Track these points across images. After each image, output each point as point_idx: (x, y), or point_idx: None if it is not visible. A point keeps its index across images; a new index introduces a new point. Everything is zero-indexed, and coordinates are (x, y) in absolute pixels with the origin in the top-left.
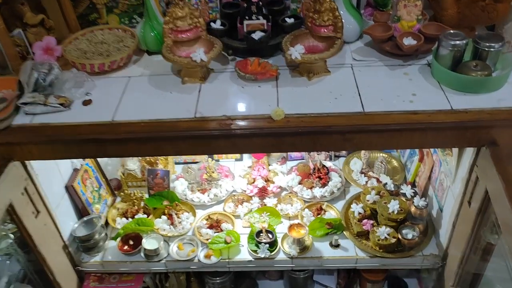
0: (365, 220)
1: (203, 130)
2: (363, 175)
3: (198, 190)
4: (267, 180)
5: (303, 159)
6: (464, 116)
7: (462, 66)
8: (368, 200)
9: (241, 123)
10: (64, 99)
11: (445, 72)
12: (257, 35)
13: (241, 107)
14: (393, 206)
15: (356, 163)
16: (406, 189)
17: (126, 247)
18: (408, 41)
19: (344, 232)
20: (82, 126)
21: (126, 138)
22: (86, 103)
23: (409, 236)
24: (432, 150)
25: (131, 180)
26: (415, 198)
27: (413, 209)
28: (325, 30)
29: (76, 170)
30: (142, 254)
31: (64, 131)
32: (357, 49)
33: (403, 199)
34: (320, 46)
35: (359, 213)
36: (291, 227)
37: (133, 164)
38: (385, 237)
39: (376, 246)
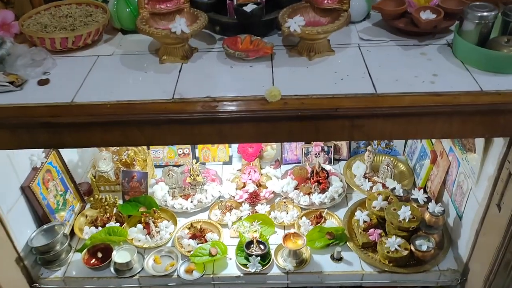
0: (371, 230)
1: (182, 113)
2: (367, 180)
3: (180, 196)
4: (259, 185)
5: (300, 162)
6: (497, 98)
7: (491, 42)
8: (374, 207)
9: (229, 105)
10: (15, 77)
11: (471, 49)
12: (249, 8)
13: (229, 88)
14: (404, 213)
15: (359, 167)
16: (418, 194)
17: (93, 261)
18: (426, 15)
19: (347, 244)
20: (34, 108)
21: (87, 123)
22: (42, 82)
23: (424, 248)
24: (447, 149)
25: (103, 183)
26: (429, 204)
27: (427, 216)
28: (329, 1)
29: (35, 169)
30: (111, 269)
31: (11, 113)
32: (365, 29)
33: (415, 205)
34: (323, 21)
35: (365, 222)
36: (286, 237)
37: (106, 165)
38: (396, 249)
39: (385, 260)
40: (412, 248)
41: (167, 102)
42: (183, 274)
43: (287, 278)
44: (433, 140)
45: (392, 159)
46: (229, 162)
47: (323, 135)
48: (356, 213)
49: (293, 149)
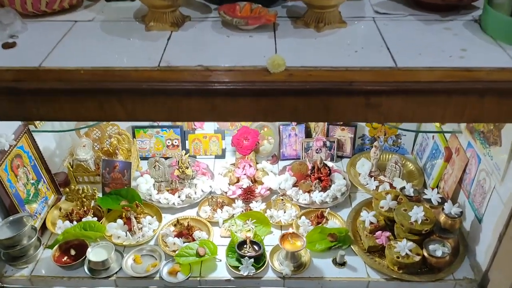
0: (378, 232)
1: (169, 82)
2: (372, 178)
3: (167, 190)
4: (254, 181)
5: (299, 158)
6: None
7: None
8: (382, 207)
9: (224, 76)
10: None
11: (505, 23)
12: None
13: (225, 58)
14: (416, 214)
15: (364, 165)
16: (432, 194)
17: (65, 258)
18: None
19: (351, 247)
20: None
21: (56, 90)
22: (7, 46)
23: (438, 253)
24: (465, 144)
25: (81, 173)
26: (445, 204)
27: (442, 218)
28: None
29: (3, 152)
30: (85, 268)
31: None
32: (379, 3)
33: (427, 206)
34: None
35: (371, 223)
36: (283, 237)
37: (85, 153)
38: (406, 254)
39: (394, 266)
40: (425, 254)
41: (151, 70)
42: (166, 276)
43: (283, 284)
44: (447, 136)
45: (400, 157)
46: (222, 156)
47: (333, 115)
48: (361, 214)
49: (292, 143)
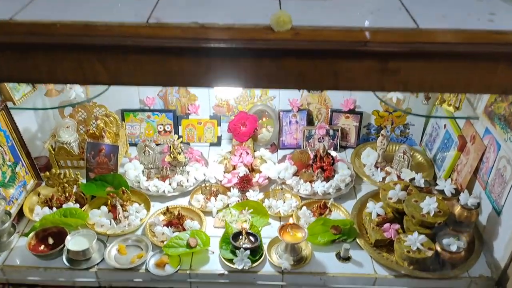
0: (386, 225)
1: (158, 39)
2: (378, 169)
3: (157, 177)
4: (251, 170)
5: (300, 147)
6: None
7: None
8: (390, 198)
9: (222, 34)
10: None
11: None
12: None
13: (224, 14)
14: (429, 205)
15: (370, 155)
16: (445, 185)
17: (42, 247)
18: None
19: (357, 240)
20: None
21: (28, 45)
22: None
23: (453, 248)
24: (481, 131)
25: (63, 157)
26: (460, 195)
27: (457, 210)
28: None
29: None
30: (63, 258)
31: None
32: None
33: (440, 198)
34: None
35: (378, 216)
36: (283, 228)
37: (69, 135)
38: (418, 248)
39: (403, 261)
40: (438, 248)
41: (139, 26)
42: (153, 268)
43: (281, 279)
44: (461, 124)
45: (408, 147)
46: (218, 143)
47: (343, 82)
48: (367, 205)
49: (293, 131)
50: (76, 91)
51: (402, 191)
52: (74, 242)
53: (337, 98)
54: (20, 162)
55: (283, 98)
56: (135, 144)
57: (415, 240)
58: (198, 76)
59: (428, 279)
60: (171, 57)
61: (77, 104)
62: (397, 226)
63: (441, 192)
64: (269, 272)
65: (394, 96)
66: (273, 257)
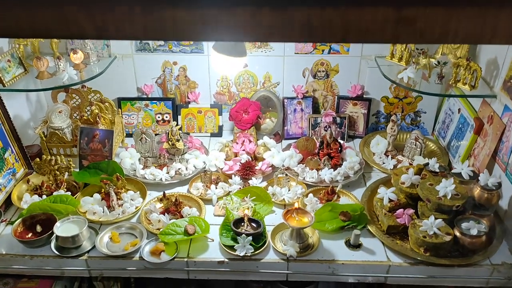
0: (400, 210)
1: None
2: (389, 157)
3: (154, 166)
4: (254, 158)
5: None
6: None
7: None
8: (403, 183)
9: None
10: None
11: None
12: None
13: None
14: (445, 187)
15: (379, 143)
16: (462, 167)
17: (30, 235)
18: None
19: (368, 227)
20: None
21: None
22: None
23: (473, 232)
24: (500, 110)
25: (55, 143)
26: (480, 175)
27: (477, 192)
28: None
29: None
30: (52, 246)
31: None
32: None
33: (457, 181)
34: None
35: (390, 201)
36: (287, 213)
37: (61, 120)
38: (434, 233)
39: (419, 247)
40: (457, 233)
41: None
42: (147, 255)
43: (287, 267)
44: (478, 105)
45: (419, 134)
46: (219, 134)
47: (354, 33)
48: (378, 190)
49: (298, 120)
50: (69, 73)
51: (415, 175)
52: (63, 229)
53: (344, 84)
54: (9, 148)
55: (287, 85)
56: (132, 135)
57: (431, 224)
58: (191, 27)
59: (446, 266)
60: (163, 5)
61: (70, 85)
62: (411, 211)
63: (458, 175)
64: (273, 259)
65: (405, 76)
66: (277, 245)
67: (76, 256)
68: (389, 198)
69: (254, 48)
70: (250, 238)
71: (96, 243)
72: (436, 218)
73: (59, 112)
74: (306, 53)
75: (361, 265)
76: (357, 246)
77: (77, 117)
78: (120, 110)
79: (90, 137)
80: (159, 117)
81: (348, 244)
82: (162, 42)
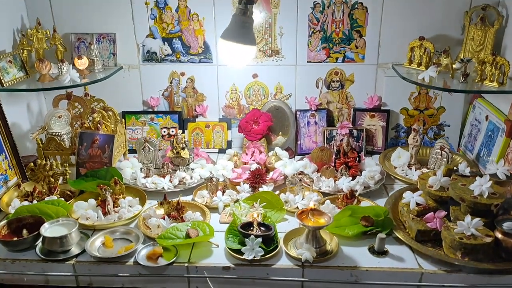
0: (430, 214)
1: None
2: (413, 168)
3: (157, 175)
4: (265, 168)
5: None
6: None
7: None
8: (431, 186)
9: None
10: None
11: None
12: None
13: None
14: (481, 185)
15: (401, 156)
16: (497, 167)
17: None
18: None
19: (394, 232)
20: None
21: None
22: None
23: None
24: None
25: (52, 150)
26: None
27: None
28: None
29: None
30: (37, 249)
31: None
32: None
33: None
34: None
35: (418, 205)
36: (302, 214)
37: (60, 126)
38: (473, 234)
39: (455, 252)
40: (498, 235)
41: None
42: (143, 260)
43: (302, 274)
44: (506, 108)
45: (446, 142)
46: (227, 149)
47: None
48: (404, 195)
49: (312, 134)
50: (72, 75)
51: (445, 177)
52: (51, 231)
53: (360, 96)
54: (3, 153)
55: (299, 96)
56: (135, 151)
57: (467, 225)
58: None
59: (489, 273)
60: None
61: (71, 87)
62: (443, 213)
63: (493, 176)
64: (286, 265)
65: (426, 75)
66: (290, 251)
67: (63, 260)
68: (416, 202)
69: (264, 57)
70: (260, 239)
71: (86, 246)
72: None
73: (59, 117)
74: (319, 62)
75: (388, 272)
76: (382, 253)
77: (78, 125)
78: (123, 121)
79: (89, 143)
80: (164, 131)
81: (372, 250)
82: (170, 51)
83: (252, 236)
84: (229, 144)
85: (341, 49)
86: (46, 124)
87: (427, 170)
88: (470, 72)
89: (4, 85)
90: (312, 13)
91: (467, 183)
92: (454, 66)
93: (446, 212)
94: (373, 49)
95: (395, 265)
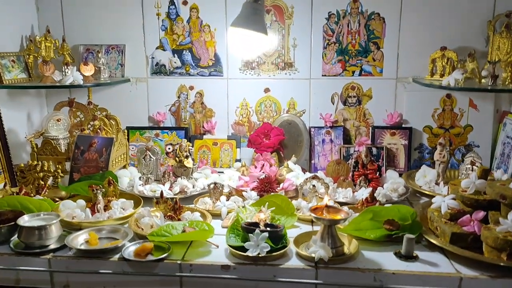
0: (466, 216)
1: None
2: (441, 184)
3: (157, 182)
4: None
5: None
6: None
7: None
8: (464, 190)
9: None
10: None
11: None
12: None
13: None
14: None
15: (426, 175)
16: None
17: None
18: None
19: (425, 238)
20: None
21: None
22: None
23: None
24: None
25: (47, 155)
26: None
27: None
28: None
29: None
30: (11, 244)
31: None
32: None
33: None
34: None
35: (450, 208)
36: (317, 210)
37: (58, 130)
38: None
39: (499, 254)
40: None
41: None
42: (130, 257)
43: (315, 275)
44: None
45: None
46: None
47: None
48: (433, 200)
49: (327, 152)
50: (75, 77)
51: (480, 179)
52: (28, 221)
53: (379, 113)
54: None
55: (314, 112)
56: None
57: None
58: None
59: None
60: None
61: (73, 87)
62: (481, 213)
63: None
64: (296, 265)
65: (451, 79)
66: (301, 250)
67: (38, 254)
68: (448, 205)
69: (277, 70)
70: (266, 234)
71: (67, 240)
72: None
73: (57, 120)
74: (334, 75)
75: (418, 275)
76: (411, 257)
77: (78, 133)
78: (126, 132)
79: (86, 146)
80: (169, 148)
81: (399, 255)
82: (179, 64)
83: (257, 231)
84: (238, 155)
85: (357, 62)
86: (43, 129)
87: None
88: (500, 74)
89: (4, 82)
90: (327, 24)
91: (507, 182)
92: (481, 72)
93: (485, 213)
94: (392, 62)
95: (428, 270)
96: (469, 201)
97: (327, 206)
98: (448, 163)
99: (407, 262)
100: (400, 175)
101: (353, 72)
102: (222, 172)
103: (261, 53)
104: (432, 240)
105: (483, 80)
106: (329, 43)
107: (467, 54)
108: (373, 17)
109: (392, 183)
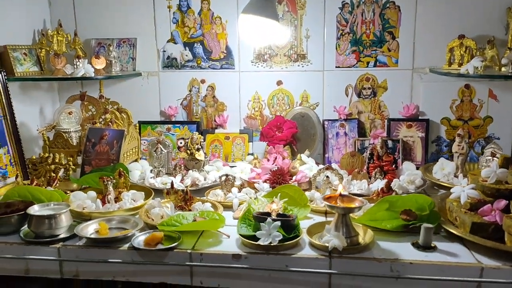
0: (487, 206)
1: None
2: (460, 177)
3: (168, 175)
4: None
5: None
6: None
7: None
8: (485, 180)
9: None
10: None
11: None
12: None
13: None
14: None
15: (444, 168)
16: None
17: None
18: None
19: (443, 228)
20: None
21: None
22: None
23: None
24: None
25: (58, 148)
26: None
27: None
28: None
29: None
30: (21, 234)
31: None
32: None
33: None
34: None
35: (470, 198)
36: (330, 199)
37: (69, 123)
38: None
39: None
40: None
41: None
42: (139, 244)
43: (329, 265)
44: None
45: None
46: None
47: None
48: (452, 190)
49: (341, 146)
50: (86, 69)
51: (501, 168)
52: (38, 210)
53: (395, 105)
54: (6, 146)
55: (327, 105)
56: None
57: None
58: None
59: None
60: None
61: (84, 79)
62: (503, 202)
63: None
64: (309, 255)
65: (469, 66)
66: (315, 240)
67: (48, 243)
68: (467, 195)
69: (289, 62)
70: (278, 223)
71: (77, 230)
72: None
73: (69, 113)
74: (348, 67)
75: (437, 265)
76: (429, 248)
77: (89, 126)
78: (137, 126)
79: (97, 139)
80: (181, 142)
81: (416, 245)
82: (191, 57)
83: (269, 219)
84: (251, 149)
85: (372, 52)
86: (55, 122)
87: None
88: None
89: (16, 74)
90: (340, 13)
91: None
92: (501, 60)
93: (507, 202)
94: (408, 52)
95: (447, 260)
96: (490, 191)
97: (341, 195)
98: (467, 156)
99: (425, 253)
100: (417, 168)
101: (368, 63)
102: (235, 166)
103: (272, 43)
104: (452, 230)
105: (503, 68)
106: (343, 33)
107: (486, 41)
108: (388, 5)
109: (409, 174)
